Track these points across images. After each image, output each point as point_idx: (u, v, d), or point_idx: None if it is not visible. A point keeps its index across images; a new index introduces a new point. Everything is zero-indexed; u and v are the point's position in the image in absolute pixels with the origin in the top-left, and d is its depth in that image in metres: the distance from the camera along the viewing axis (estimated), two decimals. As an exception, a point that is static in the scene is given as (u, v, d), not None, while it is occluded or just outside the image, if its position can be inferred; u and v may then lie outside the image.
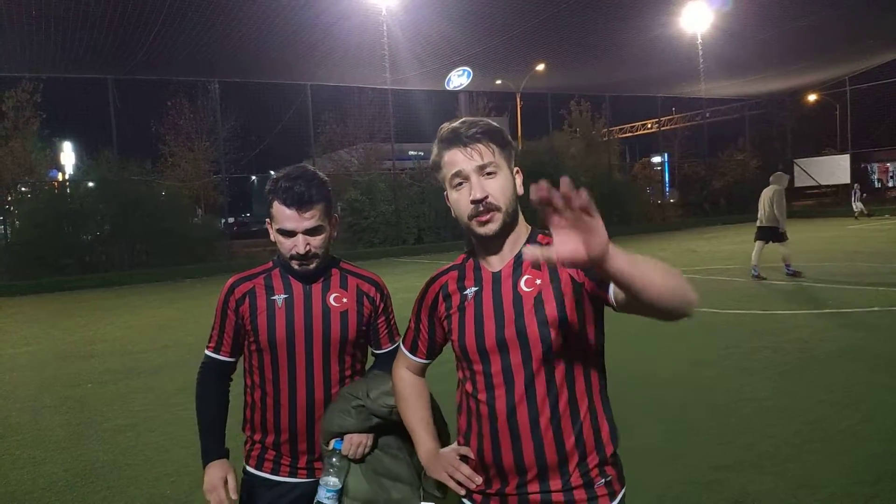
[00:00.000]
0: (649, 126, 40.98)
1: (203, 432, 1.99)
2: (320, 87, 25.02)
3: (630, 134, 43.20)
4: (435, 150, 1.57)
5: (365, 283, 2.03)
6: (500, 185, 1.51)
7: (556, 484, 1.51)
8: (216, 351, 1.99)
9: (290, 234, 1.83)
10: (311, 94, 24.28)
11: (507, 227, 1.53)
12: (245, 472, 2.03)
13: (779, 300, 9.53)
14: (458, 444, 1.65)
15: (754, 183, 32.02)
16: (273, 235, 1.89)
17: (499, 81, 30.90)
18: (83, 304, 14.60)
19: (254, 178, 58.13)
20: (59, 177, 25.95)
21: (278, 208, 1.82)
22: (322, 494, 1.84)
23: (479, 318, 1.54)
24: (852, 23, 22.70)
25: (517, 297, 1.52)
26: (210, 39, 18.76)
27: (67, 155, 30.98)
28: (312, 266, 1.88)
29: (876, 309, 8.25)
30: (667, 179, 37.00)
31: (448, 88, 28.28)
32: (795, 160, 34.13)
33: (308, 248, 1.83)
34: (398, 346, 1.97)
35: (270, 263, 2.00)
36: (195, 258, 20.58)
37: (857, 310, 8.31)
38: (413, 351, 1.75)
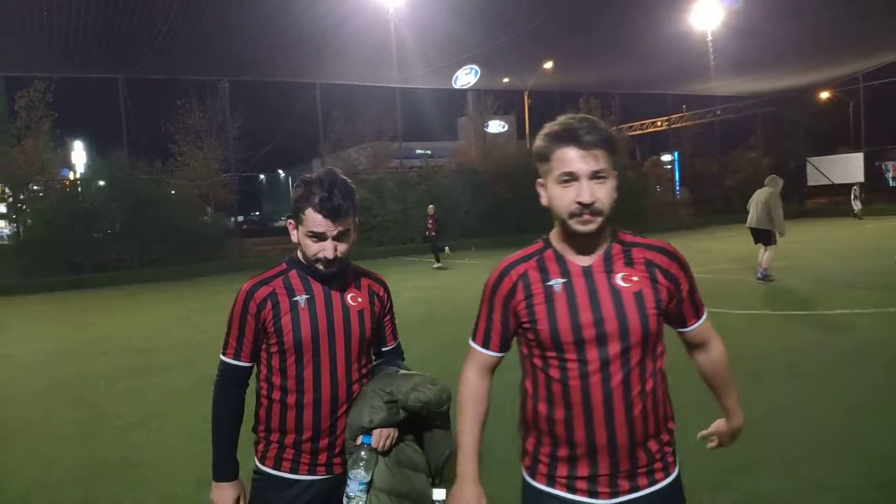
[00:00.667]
0: (659, 124, 40.78)
1: (218, 444, 1.99)
2: (329, 85, 25.06)
3: (640, 132, 43.01)
4: (543, 141, 1.62)
5: (375, 282, 2.10)
6: (607, 192, 1.60)
7: (642, 460, 1.69)
8: (236, 357, 1.98)
9: (320, 237, 1.87)
10: (320, 93, 24.33)
11: (602, 228, 1.64)
12: (258, 472, 2.02)
13: (791, 301, 9.47)
14: (527, 433, 1.82)
15: (766, 181, 31.93)
16: (297, 237, 1.93)
17: (506, 79, 30.83)
18: (95, 302, 14.72)
19: (262, 176, 58.16)
20: (71, 176, 26.12)
21: (312, 215, 1.86)
22: (354, 488, 1.89)
23: (574, 308, 1.62)
24: (866, 19, 22.50)
25: (615, 290, 1.64)
26: (219, 39, 18.83)
27: (79, 154, 31.15)
28: (336, 268, 1.93)
29: (892, 310, 8.18)
30: (677, 178, 36.84)
31: (455, 87, 28.25)
32: (808, 158, 33.87)
33: (336, 253, 1.89)
34: (399, 343, 2.21)
35: (283, 265, 2.01)
36: (205, 256, 20.70)
37: (871, 310, 8.25)
38: (486, 344, 1.78)
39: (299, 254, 1.99)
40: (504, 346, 1.79)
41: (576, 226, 1.60)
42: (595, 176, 1.57)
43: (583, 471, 1.66)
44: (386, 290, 2.14)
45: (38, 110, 20.45)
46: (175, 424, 5.34)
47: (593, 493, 1.66)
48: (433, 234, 17.97)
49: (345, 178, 1.92)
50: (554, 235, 1.72)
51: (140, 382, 6.85)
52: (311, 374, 1.93)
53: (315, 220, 1.86)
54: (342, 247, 1.90)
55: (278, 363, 1.95)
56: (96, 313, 12.74)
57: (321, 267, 1.91)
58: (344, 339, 1.96)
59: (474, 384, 1.82)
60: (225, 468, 1.99)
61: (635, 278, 1.66)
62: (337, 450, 1.99)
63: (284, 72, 23.44)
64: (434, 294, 12.31)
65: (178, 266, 19.62)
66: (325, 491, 1.98)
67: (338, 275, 1.97)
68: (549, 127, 1.62)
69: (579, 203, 1.57)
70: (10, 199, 19.97)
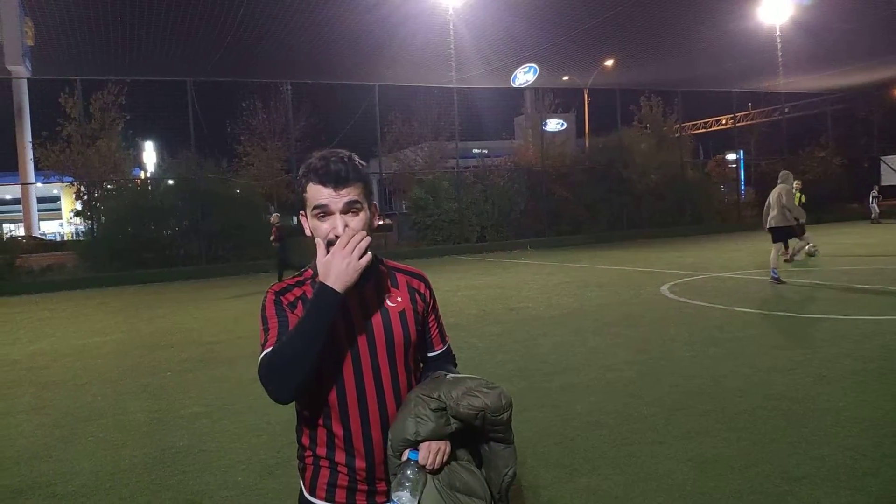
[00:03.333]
0: (724, 122, 39.68)
1: (302, 320, 1.62)
2: (387, 87, 25.33)
3: (703, 130, 41.92)
4: None
5: (413, 278, 1.87)
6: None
7: None
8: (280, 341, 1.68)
9: (326, 212, 1.68)
10: (378, 95, 24.63)
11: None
12: None
13: (860, 305, 9.09)
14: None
15: (837, 181, 30.67)
16: (308, 226, 1.74)
17: (566, 77, 30.56)
18: (163, 295, 15.28)
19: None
20: (142, 175, 27.20)
21: (313, 189, 1.69)
22: None
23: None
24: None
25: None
26: (283, 42, 19.29)
27: (149, 154, 32.44)
28: None
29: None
30: (742, 177, 35.76)
31: (514, 86, 28.15)
32: (882, 157, 32.40)
33: (347, 229, 1.66)
34: (449, 346, 1.94)
35: (310, 272, 1.79)
36: (268, 253, 21.20)
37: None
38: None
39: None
40: None
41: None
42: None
43: None
44: (427, 285, 1.88)
45: (112, 112, 21.38)
46: (238, 415, 5.50)
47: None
48: (276, 243, 15.29)
49: (348, 152, 1.76)
50: None
51: (205, 373, 7.09)
52: (355, 389, 1.71)
53: (319, 192, 1.68)
54: (354, 222, 1.67)
55: (315, 379, 1.69)
56: (164, 307, 13.23)
57: None
58: (386, 345, 1.73)
59: None
60: (319, 294, 1.60)
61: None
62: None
63: (344, 74, 23.81)
64: (488, 293, 12.31)
65: (242, 262, 20.21)
66: None
67: (369, 273, 1.73)
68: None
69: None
70: (86, 198, 20.92)
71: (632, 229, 26.35)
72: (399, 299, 1.80)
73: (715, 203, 30.11)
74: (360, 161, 1.73)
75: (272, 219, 15.30)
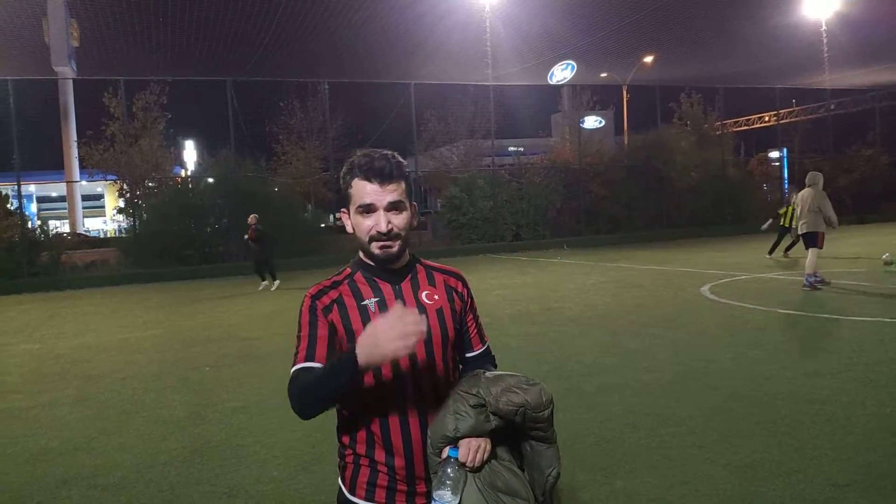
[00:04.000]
0: (767, 119, 38.82)
1: (324, 372, 1.63)
2: (423, 85, 25.36)
3: (745, 127, 41.06)
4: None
5: (451, 277, 1.88)
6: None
7: None
8: (309, 359, 1.68)
9: (370, 210, 1.70)
10: (414, 93, 24.69)
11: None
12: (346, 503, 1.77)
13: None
14: None
15: (885, 180, 29.75)
16: (350, 223, 1.76)
17: (604, 74, 30.24)
18: (202, 292, 15.56)
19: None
20: (182, 173, 27.73)
21: (358, 185, 1.71)
22: None
23: None
24: None
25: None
26: (320, 42, 19.48)
27: (189, 153, 33.12)
28: (395, 249, 1.72)
29: None
30: (785, 176, 34.94)
31: (551, 83, 27.96)
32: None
33: (390, 226, 1.69)
34: (488, 346, 1.92)
35: (347, 270, 1.82)
36: (305, 251, 21.43)
37: None
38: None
39: (361, 254, 1.80)
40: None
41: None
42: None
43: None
44: (464, 283, 1.88)
45: (154, 111, 21.84)
46: (275, 410, 5.55)
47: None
48: (254, 244, 15.22)
49: (391, 151, 1.78)
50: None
51: (243, 369, 7.20)
52: (393, 388, 1.70)
53: (363, 188, 1.70)
54: (397, 220, 1.70)
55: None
56: (203, 303, 13.47)
57: (377, 250, 1.71)
58: (424, 343, 1.70)
59: None
60: (346, 362, 1.55)
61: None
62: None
63: (381, 73, 23.93)
64: (524, 293, 12.24)
65: (280, 259, 20.42)
66: None
67: (407, 271, 1.80)
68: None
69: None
70: (128, 195, 21.41)
71: (671, 228, 25.95)
72: (436, 297, 1.80)
73: (757, 202, 29.47)
74: (401, 158, 1.75)
75: (249, 219, 15.22)
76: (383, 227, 1.69)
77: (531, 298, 11.42)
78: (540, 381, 1.67)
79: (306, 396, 1.64)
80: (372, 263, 1.77)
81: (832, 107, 33.00)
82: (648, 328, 8.27)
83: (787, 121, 34.96)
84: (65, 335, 10.24)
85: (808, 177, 11.15)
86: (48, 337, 10.15)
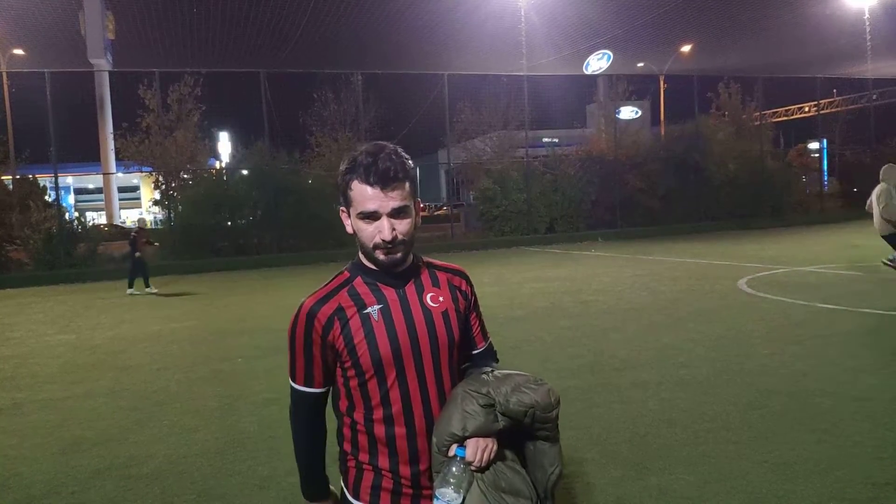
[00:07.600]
0: (807, 109, 37.88)
1: (307, 470, 1.79)
2: (456, 76, 25.22)
3: (785, 118, 40.10)
4: None
5: (455, 276, 1.81)
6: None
7: None
8: (307, 384, 1.71)
9: (373, 217, 1.61)
10: (447, 84, 24.56)
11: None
12: None
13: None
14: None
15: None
16: (350, 225, 1.68)
17: (641, 64, 29.76)
18: (236, 283, 15.75)
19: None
20: (217, 165, 28.10)
21: (359, 188, 1.61)
22: None
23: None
24: None
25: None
26: (354, 33, 19.51)
27: (224, 145, 33.54)
28: (399, 255, 1.65)
29: None
30: (825, 167, 34.06)
31: (587, 73, 27.61)
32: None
33: (394, 233, 1.61)
34: (490, 343, 1.90)
35: (346, 273, 1.73)
36: (339, 243, 21.55)
37: None
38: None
39: (361, 256, 1.72)
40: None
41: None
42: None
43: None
44: (468, 282, 1.83)
45: (188, 103, 22.09)
46: (304, 403, 5.57)
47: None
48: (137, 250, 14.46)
49: (394, 146, 1.67)
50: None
51: (275, 360, 7.21)
52: (399, 396, 1.66)
53: (364, 193, 1.60)
54: (401, 226, 1.62)
55: (357, 387, 1.68)
56: (237, 295, 13.62)
57: (381, 256, 1.64)
58: (430, 348, 1.67)
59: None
60: (318, 487, 1.79)
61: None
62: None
63: (414, 64, 23.88)
64: (558, 286, 12.12)
65: (313, 251, 20.60)
66: None
67: (410, 274, 1.72)
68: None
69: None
70: (164, 187, 21.74)
71: (708, 221, 25.49)
72: (441, 299, 1.74)
73: (796, 194, 28.78)
74: (406, 156, 1.66)
75: (139, 223, 15.06)
76: (388, 236, 1.61)
77: (565, 291, 11.30)
78: (546, 381, 1.67)
79: (293, 439, 1.80)
80: (374, 268, 1.69)
81: (874, 97, 32.02)
82: (684, 322, 8.12)
83: (827, 111, 34.05)
84: (100, 326, 10.43)
85: (882, 170, 9.83)
86: (84, 328, 10.35)
